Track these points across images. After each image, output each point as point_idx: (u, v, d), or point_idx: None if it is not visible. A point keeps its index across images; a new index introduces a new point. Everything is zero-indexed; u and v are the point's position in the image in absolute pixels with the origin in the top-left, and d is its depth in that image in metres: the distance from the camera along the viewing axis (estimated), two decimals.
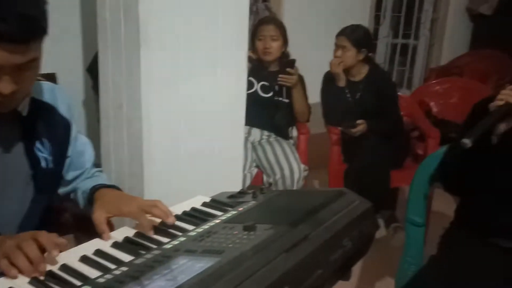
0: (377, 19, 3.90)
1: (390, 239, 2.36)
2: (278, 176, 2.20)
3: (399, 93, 2.85)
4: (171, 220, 0.92)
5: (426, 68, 4.13)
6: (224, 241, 0.80)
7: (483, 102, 1.34)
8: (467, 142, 1.13)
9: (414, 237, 1.40)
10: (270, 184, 2.26)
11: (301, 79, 2.38)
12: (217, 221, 0.92)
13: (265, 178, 2.29)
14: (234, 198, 1.08)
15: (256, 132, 2.43)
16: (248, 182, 2.23)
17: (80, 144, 1.13)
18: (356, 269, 2.20)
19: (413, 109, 2.73)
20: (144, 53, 1.43)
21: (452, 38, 4.10)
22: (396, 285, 1.36)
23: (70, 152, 1.10)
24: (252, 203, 1.02)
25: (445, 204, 1.45)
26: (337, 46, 2.42)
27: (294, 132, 2.54)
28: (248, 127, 2.40)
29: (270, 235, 0.79)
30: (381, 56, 4.00)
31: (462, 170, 1.33)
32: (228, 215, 0.96)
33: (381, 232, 2.46)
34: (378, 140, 2.35)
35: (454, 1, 4.03)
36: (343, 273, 0.93)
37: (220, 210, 1.00)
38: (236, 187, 1.30)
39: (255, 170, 2.32)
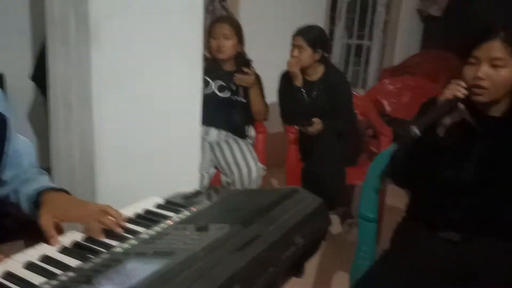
0: (332, 20, 3.97)
1: (345, 235, 2.41)
2: (236, 175, 2.21)
3: (354, 93, 2.93)
4: (119, 230, 0.90)
5: (380, 68, 4.24)
6: (176, 242, 0.79)
7: (430, 100, 1.39)
8: (415, 130, 1.18)
9: (367, 232, 1.44)
10: (229, 184, 2.26)
11: (257, 79, 2.39)
12: (170, 222, 0.91)
13: (223, 178, 2.29)
14: (188, 199, 1.07)
15: (214, 132, 2.42)
16: (206, 183, 2.22)
17: (18, 142, 1.08)
18: (313, 265, 2.24)
19: (367, 108, 2.80)
20: (95, 52, 1.40)
21: (404, 39, 4.24)
22: (350, 280, 1.40)
23: (6, 149, 1.04)
24: (206, 203, 1.02)
25: (399, 199, 1.50)
26: (294, 46, 2.45)
27: (252, 132, 2.55)
28: (205, 127, 2.39)
29: (222, 235, 0.79)
30: (336, 56, 4.08)
31: (409, 163, 1.38)
32: (181, 216, 0.95)
33: (336, 229, 2.52)
34: (334, 138, 2.40)
35: (406, 3, 4.16)
36: (296, 270, 0.94)
37: (174, 211, 0.99)
38: (193, 187, 1.29)
39: (213, 170, 2.31)
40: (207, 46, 2.34)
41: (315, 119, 2.37)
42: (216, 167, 2.34)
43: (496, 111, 1.33)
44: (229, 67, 2.41)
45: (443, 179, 1.36)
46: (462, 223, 1.31)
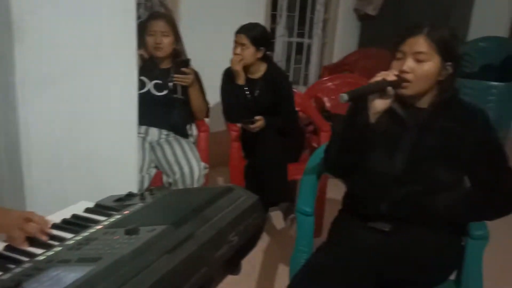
0: (273, 19, 4.01)
1: (288, 230, 2.45)
2: (177, 175, 2.17)
3: (296, 90, 2.98)
4: (43, 237, 0.85)
5: (320, 65, 4.34)
6: (103, 247, 0.76)
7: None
8: (344, 96, 1.24)
9: (304, 226, 1.47)
10: (170, 184, 2.22)
11: (196, 76, 2.37)
12: (99, 227, 0.88)
13: (164, 178, 2.24)
14: (121, 202, 1.04)
15: (154, 132, 2.37)
16: (146, 184, 2.16)
17: None
18: (257, 260, 2.26)
19: (307, 105, 2.86)
20: (20, 51, 1.32)
21: (343, 37, 4.36)
22: (290, 273, 1.42)
23: None
24: (139, 205, 0.99)
25: (340, 194, 1.55)
26: (237, 44, 2.44)
27: (194, 130, 2.52)
28: (145, 127, 2.34)
29: (152, 237, 0.77)
30: (278, 54, 4.12)
31: (341, 154, 1.43)
32: (112, 219, 0.92)
33: (280, 224, 2.55)
34: (276, 135, 2.43)
35: (343, 2, 4.28)
36: (232, 267, 0.94)
37: (104, 215, 0.96)
38: (132, 190, 1.25)
39: (153, 171, 2.26)
40: (143, 43, 2.28)
41: (257, 117, 2.38)
42: (157, 168, 2.29)
43: (423, 103, 1.40)
44: (165, 64, 2.37)
45: (374, 170, 1.42)
46: (391, 213, 1.37)
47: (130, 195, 1.07)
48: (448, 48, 1.34)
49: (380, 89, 1.32)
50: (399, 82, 1.34)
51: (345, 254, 1.19)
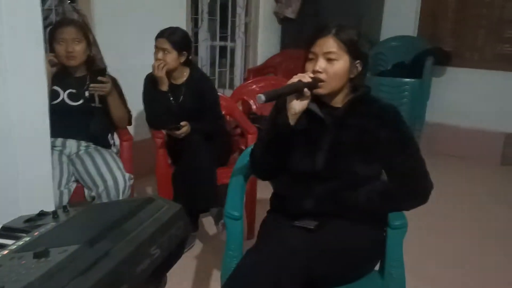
0: (195, 23, 3.98)
1: (220, 235, 2.44)
2: (101, 188, 2.07)
3: (222, 94, 2.97)
4: None
5: (245, 68, 4.38)
6: (8, 274, 0.69)
7: (283, 98, 1.47)
8: (262, 97, 1.26)
9: (233, 230, 1.46)
10: (93, 198, 2.11)
11: (115, 84, 2.27)
12: (5, 252, 0.80)
13: (86, 192, 2.13)
14: (32, 222, 0.96)
15: (72, 144, 2.24)
16: (66, 200, 2.04)
17: None
18: (190, 267, 2.22)
19: (233, 108, 2.86)
20: None
21: (265, 40, 4.43)
22: (221, 279, 1.40)
23: None
24: (51, 225, 0.92)
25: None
26: (158, 49, 2.38)
27: (116, 140, 2.43)
28: (61, 139, 2.21)
29: (64, 259, 0.72)
30: (203, 58, 4.10)
31: (266, 156, 1.46)
32: (20, 242, 0.84)
33: (211, 230, 2.53)
34: (203, 140, 2.39)
35: (263, 6, 4.35)
36: (156, 281, 0.91)
37: (12, 238, 0.88)
38: (49, 207, 1.16)
39: (74, 185, 2.13)
40: (54, 52, 2.15)
41: (183, 122, 2.34)
42: (78, 181, 2.17)
43: (338, 102, 1.46)
44: (80, 72, 2.26)
45: (296, 170, 1.45)
46: (316, 210, 1.41)
47: (41, 214, 0.99)
48: (356, 47, 1.41)
49: (296, 91, 1.36)
50: (315, 83, 1.38)
51: (273, 254, 1.20)
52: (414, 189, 1.43)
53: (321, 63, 1.39)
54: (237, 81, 4.38)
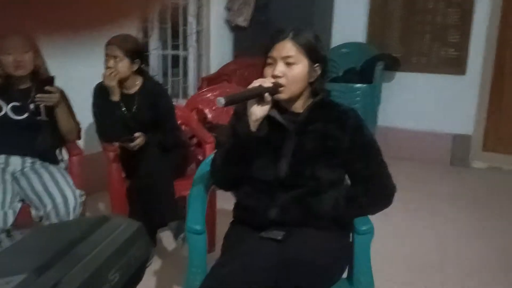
0: (145, 31, 3.87)
1: (180, 250, 2.34)
2: (49, 207, 1.92)
3: (175, 103, 2.88)
4: None
5: (199, 77, 4.31)
6: None
7: (242, 105, 1.42)
8: (221, 100, 1.22)
9: (196, 245, 1.39)
10: (41, 218, 1.96)
11: (62, 95, 2.14)
12: None
13: (33, 212, 1.97)
14: None
15: (16, 161, 2.08)
16: (10, 221, 1.87)
17: None
18: (149, 284, 2.11)
19: (189, 118, 2.79)
20: None
21: (218, 48, 4.38)
22: None
23: None
24: None
25: (231, 204, 1.50)
26: (108, 57, 2.26)
27: (65, 155, 2.28)
28: (4, 156, 2.05)
29: None
30: (154, 68, 3.98)
31: (227, 165, 1.41)
32: None
33: (171, 245, 2.43)
34: (159, 151, 2.30)
35: (214, 14, 4.31)
36: None
37: None
38: None
39: (19, 205, 1.97)
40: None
41: (137, 134, 2.23)
42: (23, 201, 2.01)
43: (298, 108, 1.44)
44: (24, 84, 2.11)
45: (259, 178, 1.41)
46: (281, 219, 1.37)
47: None
48: (314, 50, 1.39)
49: (257, 95, 1.32)
50: (275, 88, 1.35)
51: (241, 270, 1.14)
52: (378, 192, 1.42)
53: (280, 68, 1.36)
54: (191, 90, 4.30)
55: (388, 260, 2.43)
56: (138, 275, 0.88)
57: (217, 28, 4.34)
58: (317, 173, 1.39)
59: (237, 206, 1.50)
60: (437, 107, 4.24)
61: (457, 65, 4.12)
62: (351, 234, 1.45)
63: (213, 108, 3.25)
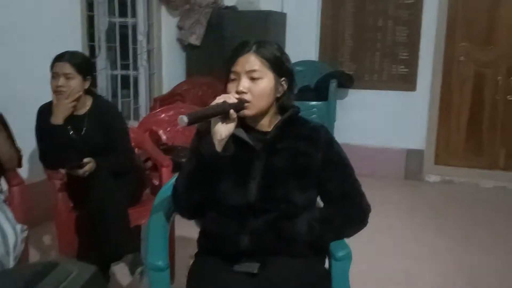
0: (92, 51, 3.67)
1: (138, 285, 2.15)
2: None
3: (128, 125, 2.72)
4: None
5: (150, 97, 4.15)
6: None
7: (205, 123, 1.31)
8: (184, 119, 1.13)
9: (158, 284, 1.23)
10: None
11: (1, 119, 1.94)
12: None
13: None
14: None
15: None
16: None
17: None
18: None
19: (143, 140, 2.62)
20: None
21: (170, 67, 4.27)
22: None
23: None
24: None
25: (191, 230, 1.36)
26: (57, 75, 2.09)
27: (4, 185, 2.06)
28: None
29: None
30: (102, 89, 3.79)
31: (191, 190, 1.29)
32: None
33: (126, 279, 2.23)
34: (111, 177, 2.12)
35: (165, 33, 4.21)
36: None
37: None
38: None
39: None
40: None
41: (86, 159, 2.05)
42: None
43: (265, 125, 1.35)
44: None
45: (227, 203, 1.30)
46: (253, 249, 1.26)
47: None
48: (279, 63, 1.32)
49: (222, 112, 1.22)
50: (241, 104, 1.26)
51: None
52: (353, 213, 1.35)
53: (245, 83, 1.27)
54: (142, 112, 4.13)
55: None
56: None
57: (169, 47, 4.23)
58: (289, 195, 1.29)
59: (202, 235, 1.37)
60: (390, 123, 4.31)
61: (407, 82, 4.22)
62: (326, 259, 1.35)
63: (168, 129, 3.10)
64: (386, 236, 2.96)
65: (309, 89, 4.34)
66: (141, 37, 4.04)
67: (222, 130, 1.23)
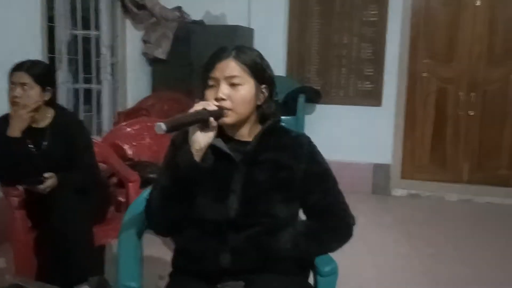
0: (52, 63, 3.51)
1: None
2: None
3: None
4: None
5: (114, 111, 4.01)
6: None
7: (181, 133, 1.24)
8: (162, 126, 1.05)
9: None
10: None
11: None
12: None
13: None
14: None
15: None
16: None
17: None
18: None
19: (108, 154, 2.50)
20: None
21: (135, 81, 4.15)
22: None
23: None
24: None
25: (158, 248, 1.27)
26: (15, 84, 1.98)
27: None
28: None
29: None
30: (64, 103, 3.62)
31: (167, 206, 1.21)
32: None
33: None
34: (73, 194, 2.01)
35: (130, 46, 4.10)
36: None
37: None
38: None
39: None
40: None
41: (47, 174, 1.94)
42: None
43: (246, 135, 1.29)
44: None
45: (206, 218, 1.22)
46: (234, 267, 1.18)
47: None
48: (260, 70, 1.27)
49: (201, 120, 1.15)
50: (220, 111, 1.19)
51: None
52: (338, 226, 1.30)
53: (224, 89, 1.21)
54: (105, 126, 3.98)
55: None
56: None
57: (134, 60, 4.12)
58: (271, 208, 1.23)
59: (179, 254, 1.28)
60: (357, 137, 4.35)
61: (373, 97, 4.29)
62: (311, 275, 1.29)
63: (134, 143, 2.99)
64: (356, 251, 2.93)
65: (277, 103, 4.33)
66: (104, 50, 3.91)
67: (201, 139, 1.16)
